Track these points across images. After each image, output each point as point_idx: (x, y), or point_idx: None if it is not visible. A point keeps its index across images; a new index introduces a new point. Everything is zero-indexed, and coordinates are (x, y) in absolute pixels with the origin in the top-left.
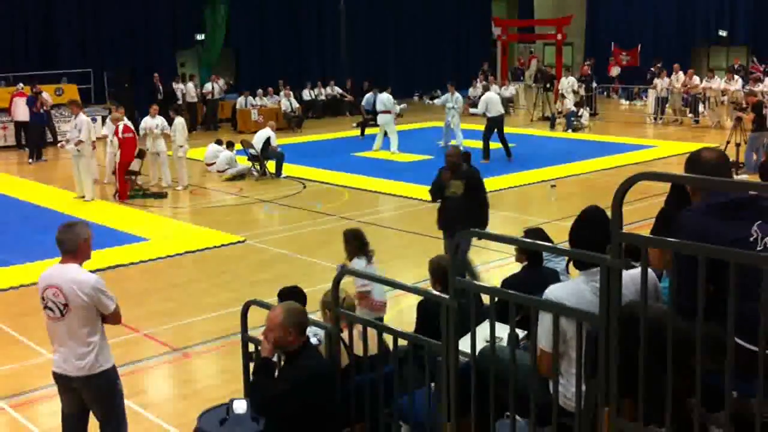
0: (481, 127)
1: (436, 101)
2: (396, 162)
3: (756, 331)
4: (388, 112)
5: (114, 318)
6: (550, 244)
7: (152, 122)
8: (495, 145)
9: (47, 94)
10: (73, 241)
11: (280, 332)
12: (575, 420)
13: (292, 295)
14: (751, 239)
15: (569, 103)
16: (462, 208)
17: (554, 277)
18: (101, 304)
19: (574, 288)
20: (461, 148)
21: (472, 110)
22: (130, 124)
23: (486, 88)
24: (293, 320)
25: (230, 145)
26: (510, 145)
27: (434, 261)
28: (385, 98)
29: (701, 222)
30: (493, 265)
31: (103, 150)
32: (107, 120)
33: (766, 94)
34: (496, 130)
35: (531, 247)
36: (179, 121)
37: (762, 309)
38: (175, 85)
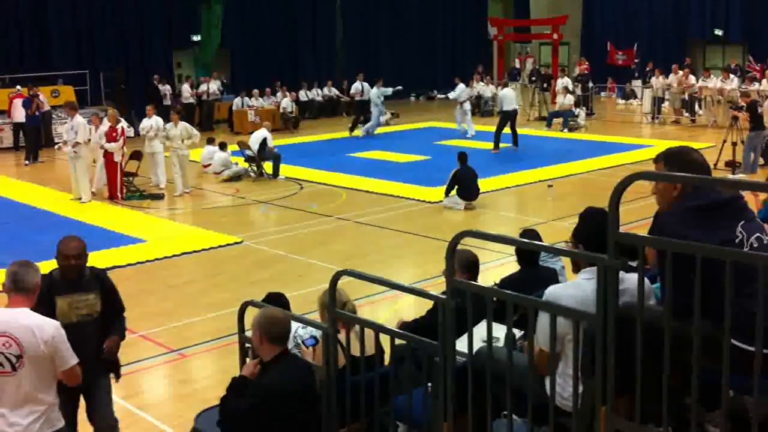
0: (490, 128)
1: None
2: (392, 162)
3: (746, 330)
4: None
5: (71, 376)
6: (547, 244)
7: (147, 123)
8: (487, 144)
9: (44, 96)
10: (31, 280)
11: (255, 338)
12: (572, 420)
13: (274, 302)
14: (737, 240)
15: (565, 102)
16: (96, 337)
17: (552, 277)
18: (59, 356)
19: (575, 287)
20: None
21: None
22: (123, 125)
23: (505, 85)
24: (264, 329)
25: (223, 146)
26: (507, 145)
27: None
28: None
29: (682, 226)
30: (491, 265)
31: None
32: (104, 119)
33: (761, 93)
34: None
35: (527, 247)
36: (181, 124)
37: (759, 307)
38: (161, 87)
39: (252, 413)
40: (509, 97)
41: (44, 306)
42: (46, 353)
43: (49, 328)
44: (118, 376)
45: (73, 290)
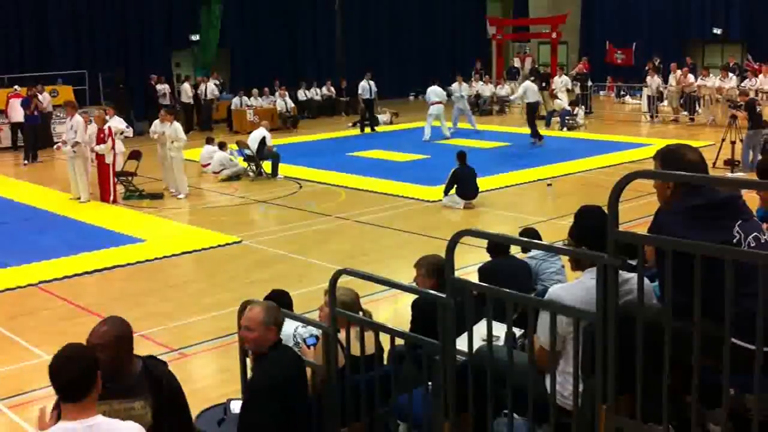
0: (489, 127)
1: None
2: (392, 161)
3: (745, 329)
4: (440, 102)
5: None
6: (547, 243)
7: (160, 128)
8: (493, 144)
9: (47, 96)
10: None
11: (262, 331)
12: (573, 418)
13: (277, 300)
14: (735, 240)
15: (562, 101)
16: None
17: (523, 265)
18: None
19: (579, 287)
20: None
21: (512, 97)
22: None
23: (525, 78)
24: (274, 318)
25: (222, 146)
26: (506, 144)
27: (430, 259)
28: (438, 90)
29: (679, 225)
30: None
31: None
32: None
33: (760, 92)
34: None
35: (527, 246)
36: (176, 125)
37: (759, 306)
38: (159, 86)
39: (254, 406)
40: (532, 89)
41: None
42: None
43: None
44: None
45: (111, 395)
